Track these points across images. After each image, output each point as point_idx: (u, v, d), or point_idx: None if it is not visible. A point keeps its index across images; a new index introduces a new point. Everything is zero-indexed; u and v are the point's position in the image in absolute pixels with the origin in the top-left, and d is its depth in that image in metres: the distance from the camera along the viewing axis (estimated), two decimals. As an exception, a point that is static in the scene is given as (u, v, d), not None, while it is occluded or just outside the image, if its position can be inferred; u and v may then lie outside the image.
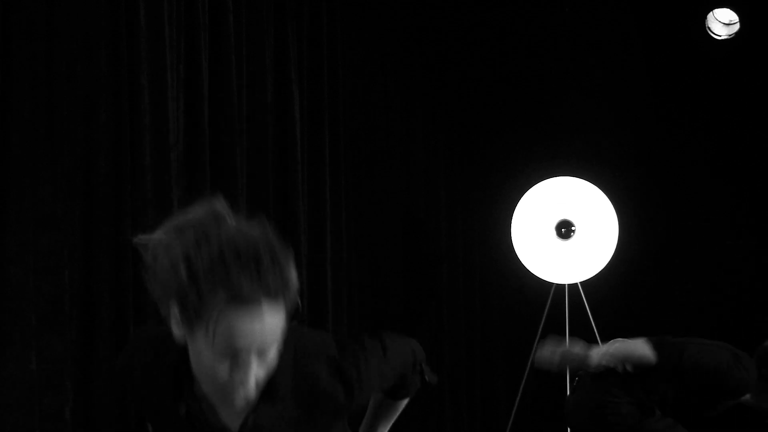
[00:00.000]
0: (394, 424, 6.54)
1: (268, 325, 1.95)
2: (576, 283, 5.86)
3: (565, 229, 5.81)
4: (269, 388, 2.09)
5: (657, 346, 4.32)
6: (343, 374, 2.20)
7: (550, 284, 5.90)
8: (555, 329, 5.89)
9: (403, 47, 6.26)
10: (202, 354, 1.99)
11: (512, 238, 5.89)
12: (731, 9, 6.04)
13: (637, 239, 6.09)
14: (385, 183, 6.08)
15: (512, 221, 5.88)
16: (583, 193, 5.82)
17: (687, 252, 6.37)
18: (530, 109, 6.63)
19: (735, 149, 6.40)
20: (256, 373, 1.99)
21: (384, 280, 6.02)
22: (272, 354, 2.01)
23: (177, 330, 2.01)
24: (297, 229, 5.22)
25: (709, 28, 6.09)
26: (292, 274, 2.00)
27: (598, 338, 5.79)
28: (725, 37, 6.09)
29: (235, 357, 1.97)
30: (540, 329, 5.88)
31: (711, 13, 6.06)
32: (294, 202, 5.22)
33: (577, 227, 5.80)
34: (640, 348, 4.33)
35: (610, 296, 6.09)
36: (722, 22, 6.10)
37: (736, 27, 6.07)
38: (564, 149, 6.40)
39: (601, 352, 4.39)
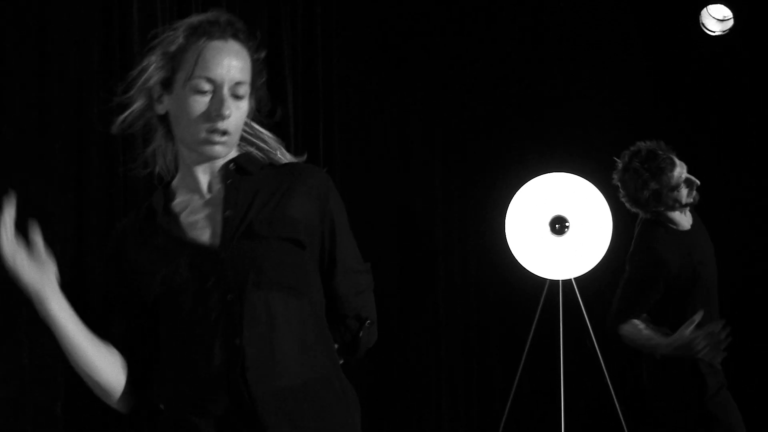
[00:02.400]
0: (392, 419, 6.56)
1: (236, 60, 2.34)
2: (570, 279, 5.86)
3: (559, 225, 5.81)
4: (239, 168, 2.41)
5: None
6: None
7: (544, 280, 5.90)
8: (549, 325, 5.91)
9: (398, 42, 6.26)
10: (181, 105, 2.31)
11: (506, 234, 5.89)
12: (725, 5, 6.03)
13: (631, 235, 6.07)
14: (380, 179, 6.07)
15: (506, 217, 5.88)
16: (577, 189, 5.82)
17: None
18: (524, 104, 6.62)
19: (730, 145, 6.40)
20: (230, 113, 2.31)
21: (379, 276, 6.00)
22: (243, 103, 2.36)
23: (164, 102, 2.36)
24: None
25: (702, 25, 6.09)
26: (258, 48, 2.42)
27: (592, 334, 5.80)
28: (719, 33, 6.09)
29: (212, 91, 2.31)
30: (534, 325, 5.89)
31: (705, 9, 6.06)
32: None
33: (571, 223, 5.80)
34: None
35: (604, 292, 6.08)
36: (716, 18, 6.09)
37: (730, 23, 6.07)
38: (558, 145, 6.40)
39: None
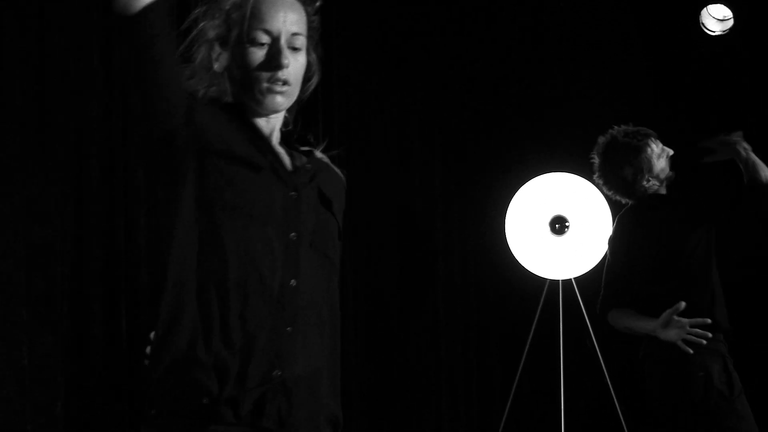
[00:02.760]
0: (392, 419, 6.55)
1: (292, 11, 2.34)
2: (570, 279, 5.86)
3: (559, 225, 5.81)
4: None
5: None
6: None
7: (544, 280, 5.90)
8: (549, 325, 5.91)
9: (398, 42, 6.26)
10: (239, 59, 2.31)
11: (506, 234, 5.89)
12: (725, 5, 6.03)
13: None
14: (380, 179, 6.07)
15: (506, 217, 5.88)
16: (577, 189, 5.82)
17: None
18: (524, 104, 6.62)
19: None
20: (288, 62, 2.31)
21: (379, 276, 6.02)
22: (301, 56, 2.36)
23: (221, 61, 2.35)
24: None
25: (703, 24, 6.09)
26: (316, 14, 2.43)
27: (592, 334, 5.80)
28: (719, 33, 6.09)
29: (268, 41, 2.31)
30: (534, 324, 5.89)
31: (705, 9, 6.06)
32: (287, 198, 5.21)
33: (571, 223, 5.80)
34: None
35: (603, 292, 6.09)
36: (716, 18, 6.09)
37: (730, 23, 6.07)
38: (558, 145, 6.40)
39: None
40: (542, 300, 5.90)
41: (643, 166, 4.62)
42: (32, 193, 3.91)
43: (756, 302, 6.22)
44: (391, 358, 6.05)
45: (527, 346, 5.90)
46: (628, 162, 4.65)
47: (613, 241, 4.69)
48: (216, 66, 2.37)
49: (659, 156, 4.65)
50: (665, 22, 6.37)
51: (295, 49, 2.35)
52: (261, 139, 2.36)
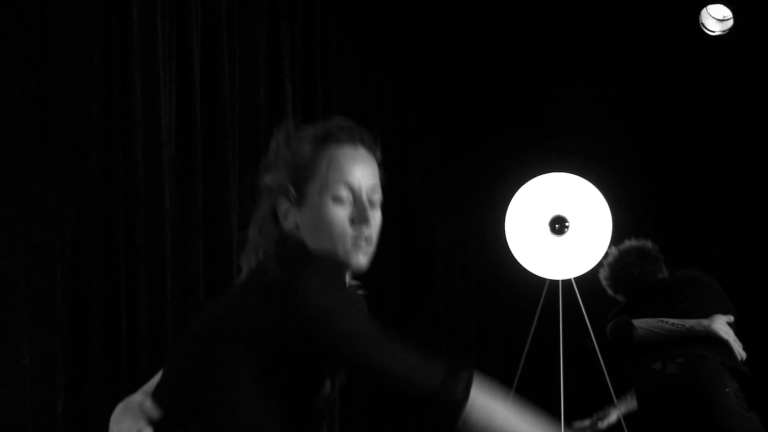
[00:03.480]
0: (392, 419, 6.56)
1: (369, 165, 2.26)
2: (570, 279, 5.86)
3: (558, 225, 5.80)
4: None
5: None
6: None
7: (544, 280, 5.89)
8: (549, 325, 5.90)
9: (397, 43, 6.26)
10: (318, 213, 2.18)
11: (506, 234, 5.88)
12: (724, 5, 6.03)
13: (631, 235, 6.07)
14: (379, 178, 6.06)
15: (506, 217, 5.88)
16: (576, 189, 5.82)
17: (680, 248, 6.37)
18: (524, 105, 6.62)
19: (729, 145, 6.40)
20: (372, 219, 2.23)
21: (379, 277, 6.00)
22: (378, 211, 2.27)
23: (292, 217, 2.21)
24: (290, 225, 5.21)
25: (702, 24, 6.09)
26: (379, 148, 2.33)
27: (592, 334, 5.80)
28: (719, 33, 6.09)
29: (351, 198, 2.21)
30: (534, 325, 5.89)
31: (704, 9, 6.06)
32: (287, 198, 5.21)
33: (571, 223, 5.80)
34: None
35: (603, 292, 6.08)
36: (716, 18, 6.10)
37: (730, 23, 6.07)
38: (558, 145, 6.40)
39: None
40: (542, 300, 5.89)
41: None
42: (32, 193, 3.91)
43: (756, 302, 6.22)
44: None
45: (527, 346, 5.90)
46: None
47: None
48: (286, 223, 2.22)
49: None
50: (665, 22, 6.37)
51: (373, 204, 2.27)
52: None
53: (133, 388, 4.19)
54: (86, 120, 4.13)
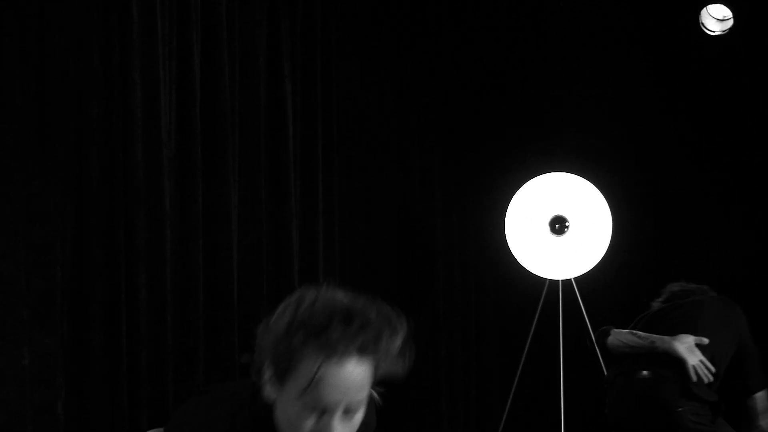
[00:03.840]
0: (392, 419, 6.55)
1: (356, 381, 2.07)
2: (570, 279, 5.86)
3: (558, 225, 5.80)
4: None
5: None
6: None
7: (544, 280, 5.90)
8: (549, 325, 5.90)
9: (397, 43, 6.26)
10: (289, 409, 2.07)
11: (506, 234, 5.88)
12: (724, 5, 6.03)
13: (631, 235, 6.08)
14: (379, 180, 6.07)
15: (506, 217, 5.88)
16: (576, 189, 5.82)
17: (680, 248, 6.37)
18: (524, 105, 6.62)
19: (730, 145, 6.40)
20: (339, 430, 2.06)
21: (379, 277, 6.01)
22: (358, 417, 2.11)
23: (269, 390, 2.10)
24: (289, 226, 5.22)
25: (702, 24, 6.09)
26: (390, 343, 2.13)
27: (591, 334, 5.80)
28: (719, 32, 6.09)
29: (322, 412, 2.05)
30: (534, 325, 5.89)
31: (704, 9, 6.06)
32: (286, 199, 5.22)
33: (571, 223, 5.80)
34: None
35: (603, 292, 6.09)
36: (716, 18, 6.09)
37: (730, 23, 6.07)
38: (558, 145, 6.40)
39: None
40: (542, 300, 5.89)
41: None
42: (32, 193, 3.90)
43: (757, 302, 6.22)
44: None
45: (527, 346, 5.90)
46: None
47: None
48: (266, 389, 2.12)
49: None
50: (665, 22, 6.36)
51: (349, 412, 2.10)
52: None
53: (133, 388, 4.21)
54: (86, 120, 4.13)
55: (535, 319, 5.88)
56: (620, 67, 6.46)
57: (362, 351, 2.07)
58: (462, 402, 6.51)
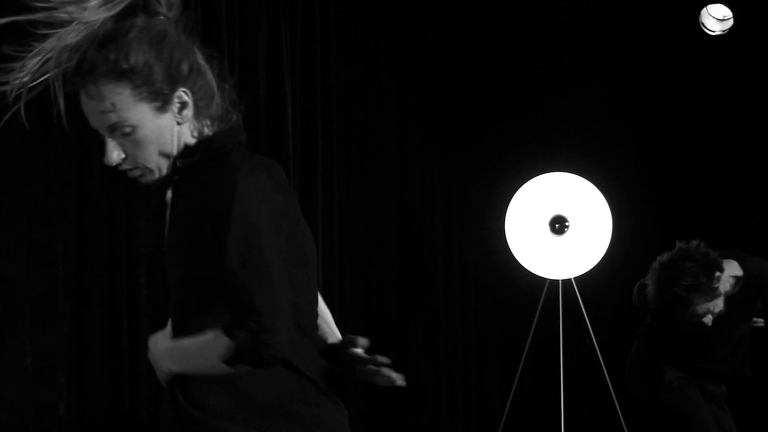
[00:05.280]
0: (392, 419, 6.54)
1: (92, 107, 2.21)
2: (570, 279, 5.86)
3: (559, 225, 5.81)
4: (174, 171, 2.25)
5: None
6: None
7: (544, 280, 5.90)
8: (549, 325, 5.91)
9: (397, 42, 6.26)
10: None
11: (506, 234, 5.89)
12: (724, 4, 6.04)
13: (631, 235, 6.09)
14: (379, 178, 6.07)
15: (506, 217, 5.88)
16: (577, 189, 5.82)
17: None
18: (525, 104, 6.63)
19: (730, 144, 6.40)
20: (117, 155, 2.21)
21: (378, 276, 6.01)
22: (136, 134, 2.19)
23: None
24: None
25: (702, 24, 6.10)
26: (110, 55, 2.18)
27: (592, 334, 5.80)
28: (719, 32, 6.10)
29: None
30: (534, 324, 5.89)
31: (704, 8, 6.07)
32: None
33: (571, 223, 5.80)
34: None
35: (603, 292, 6.10)
36: (716, 18, 6.10)
37: (730, 23, 6.07)
38: (558, 145, 6.41)
39: None
40: (542, 300, 5.90)
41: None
42: (34, 193, 3.90)
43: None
44: (390, 358, 6.04)
45: (527, 346, 5.90)
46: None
47: None
48: None
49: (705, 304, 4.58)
50: (665, 21, 6.37)
51: (124, 135, 2.21)
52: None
53: (134, 388, 4.20)
54: (87, 120, 4.12)
55: (535, 319, 5.89)
56: (620, 66, 6.47)
57: (85, 82, 2.20)
58: (462, 402, 6.51)
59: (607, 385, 5.79)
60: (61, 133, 4.02)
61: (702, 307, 4.37)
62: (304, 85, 5.44)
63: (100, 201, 4.15)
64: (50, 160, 3.97)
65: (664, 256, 4.53)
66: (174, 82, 2.23)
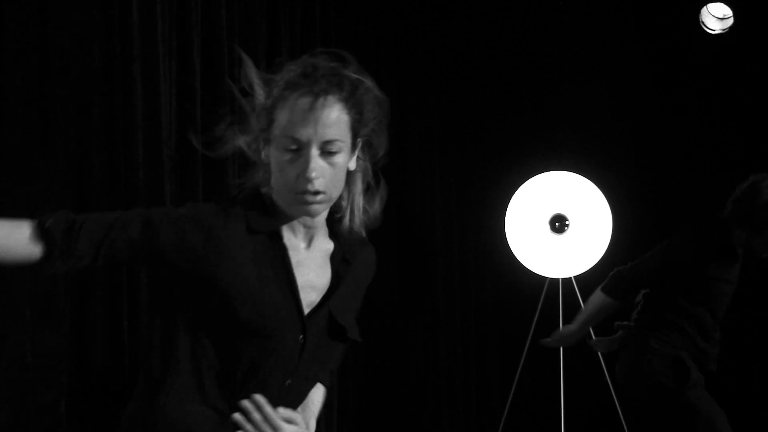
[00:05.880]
0: (391, 419, 6.54)
1: (326, 116, 2.25)
2: (570, 278, 5.86)
3: (559, 224, 5.81)
4: (342, 253, 2.44)
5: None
6: None
7: (544, 278, 5.90)
8: (549, 323, 5.90)
9: (397, 42, 6.26)
10: (275, 161, 2.27)
11: (506, 233, 5.89)
12: (725, 3, 6.04)
13: (631, 233, 6.09)
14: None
15: (506, 215, 5.89)
16: (576, 188, 5.83)
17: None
18: (525, 103, 6.63)
19: (730, 144, 6.41)
20: (319, 167, 2.24)
21: (378, 276, 6.01)
22: (339, 158, 2.27)
23: (262, 154, 2.32)
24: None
25: (702, 23, 6.10)
26: (361, 92, 2.37)
27: (592, 333, 5.80)
28: (719, 31, 6.10)
29: (298, 148, 2.24)
30: (534, 323, 5.89)
31: (705, 7, 6.07)
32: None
33: (571, 221, 5.81)
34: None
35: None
36: (716, 17, 6.11)
37: (730, 21, 6.08)
38: (558, 144, 6.41)
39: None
40: (542, 299, 5.90)
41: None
42: (34, 192, 3.90)
43: (759, 302, 6.24)
44: (390, 357, 6.05)
45: (527, 345, 5.90)
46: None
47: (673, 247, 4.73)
48: (262, 156, 2.33)
49: None
50: (665, 20, 6.37)
51: (330, 154, 2.27)
52: (289, 280, 2.34)
53: (134, 388, 4.20)
54: (87, 119, 4.13)
55: (535, 318, 5.89)
56: (620, 65, 6.47)
57: (331, 90, 2.27)
58: (461, 402, 6.51)
59: (607, 384, 5.79)
60: (61, 133, 4.03)
61: None
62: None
63: (100, 201, 4.15)
64: (50, 160, 3.98)
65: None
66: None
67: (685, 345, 4.56)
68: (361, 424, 5.86)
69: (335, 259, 2.43)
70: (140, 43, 4.32)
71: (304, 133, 2.23)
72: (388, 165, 6.42)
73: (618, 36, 6.48)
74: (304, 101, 2.24)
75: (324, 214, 2.37)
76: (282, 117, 2.25)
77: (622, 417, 5.80)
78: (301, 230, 2.36)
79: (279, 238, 2.33)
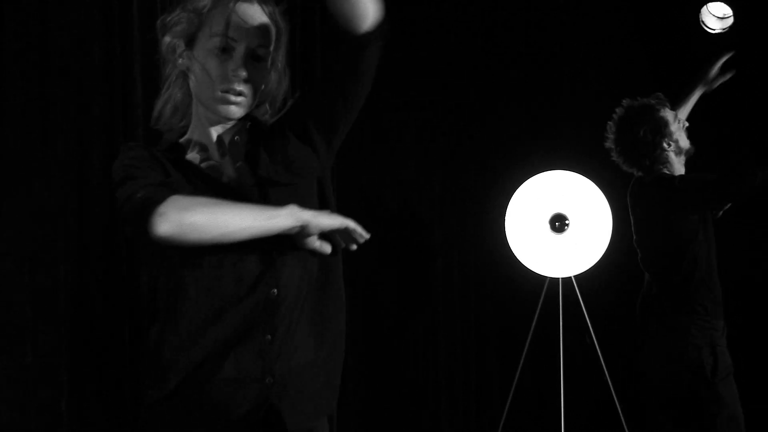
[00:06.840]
0: (391, 419, 6.54)
1: (259, 22, 2.38)
2: (570, 277, 5.86)
3: (559, 223, 5.81)
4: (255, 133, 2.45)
5: None
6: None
7: (544, 278, 5.90)
8: (549, 323, 5.91)
9: (397, 38, 6.25)
10: (201, 63, 2.36)
11: (506, 232, 5.89)
12: (725, 2, 6.04)
13: (631, 233, 6.08)
14: (378, 176, 6.07)
15: (506, 215, 5.88)
16: (577, 187, 5.83)
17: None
18: (525, 103, 6.62)
19: (730, 143, 6.40)
20: (246, 74, 2.36)
21: (378, 276, 6.01)
22: (263, 66, 2.39)
23: (180, 61, 2.40)
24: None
25: (703, 22, 6.10)
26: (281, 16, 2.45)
27: (592, 333, 5.80)
28: (719, 31, 6.10)
29: (227, 48, 2.35)
30: (534, 323, 5.89)
31: (705, 6, 6.07)
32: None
33: (571, 221, 5.80)
34: None
35: (604, 290, 6.10)
36: (716, 16, 6.10)
37: (730, 21, 6.08)
38: (558, 143, 6.40)
39: None
40: (542, 298, 5.89)
41: (661, 126, 4.66)
42: (35, 191, 3.91)
43: (759, 303, 6.23)
44: (390, 357, 6.05)
45: (527, 345, 5.90)
46: (645, 122, 4.70)
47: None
48: (179, 63, 2.43)
49: (675, 122, 4.70)
50: (665, 20, 6.37)
51: (257, 59, 2.40)
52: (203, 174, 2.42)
53: (135, 386, 4.21)
54: (88, 119, 4.14)
55: (535, 318, 5.88)
56: (620, 64, 6.47)
57: (264, 1, 2.40)
58: (461, 402, 6.51)
59: (608, 383, 5.79)
60: (62, 133, 4.03)
61: (671, 116, 4.75)
62: (303, 84, 5.44)
63: (100, 199, 4.16)
64: (50, 160, 3.98)
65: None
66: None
67: (720, 333, 4.57)
68: (361, 424, 5.86)
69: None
70: (140, 43, 4.32)
71: (238, 34, 2.35)
72: (388, 165, 6.41)
73: (618, 36, 6.48)
74: (241, 6, 2.36)
75: (232, 122, 2.43)
76: (215, 19, 2.35)
77: (622, 417, 5.80)
78: (213, 136, 2.44)
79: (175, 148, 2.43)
